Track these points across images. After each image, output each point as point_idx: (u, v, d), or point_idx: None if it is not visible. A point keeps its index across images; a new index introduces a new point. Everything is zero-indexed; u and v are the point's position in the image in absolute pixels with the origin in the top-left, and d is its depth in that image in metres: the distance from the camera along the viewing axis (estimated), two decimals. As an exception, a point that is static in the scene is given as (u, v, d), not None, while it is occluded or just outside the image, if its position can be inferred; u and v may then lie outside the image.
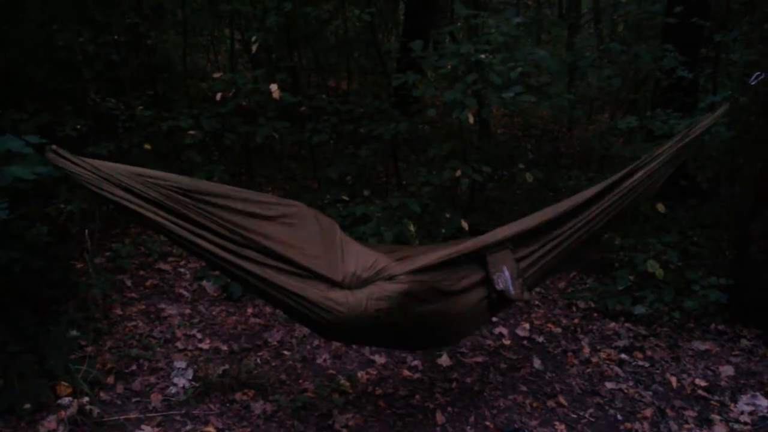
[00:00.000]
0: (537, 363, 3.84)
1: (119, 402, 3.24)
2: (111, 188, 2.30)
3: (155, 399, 3.28)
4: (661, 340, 4.17)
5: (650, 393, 3.56)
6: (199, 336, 3.97)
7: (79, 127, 4.95)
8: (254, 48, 5.92)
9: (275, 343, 3.96)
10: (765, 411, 3.38)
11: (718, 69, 6.89)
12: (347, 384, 3.49)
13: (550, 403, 3.44)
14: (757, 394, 3.52)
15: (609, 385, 3.64)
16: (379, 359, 3.79)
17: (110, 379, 3.38)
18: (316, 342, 3.98)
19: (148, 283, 4.61)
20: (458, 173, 4.91)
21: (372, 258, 2.67)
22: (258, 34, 5.85)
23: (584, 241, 3.14)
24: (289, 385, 3.50)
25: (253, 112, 5.72)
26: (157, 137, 5.48)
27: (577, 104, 7.56)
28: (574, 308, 4.65)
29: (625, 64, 6.27)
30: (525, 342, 4.14)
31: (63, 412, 2.98)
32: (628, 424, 3.28)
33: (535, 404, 3.42)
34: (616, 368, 3.82)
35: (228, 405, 3.27)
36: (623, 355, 3.96)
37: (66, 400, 3.06)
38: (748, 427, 3.27)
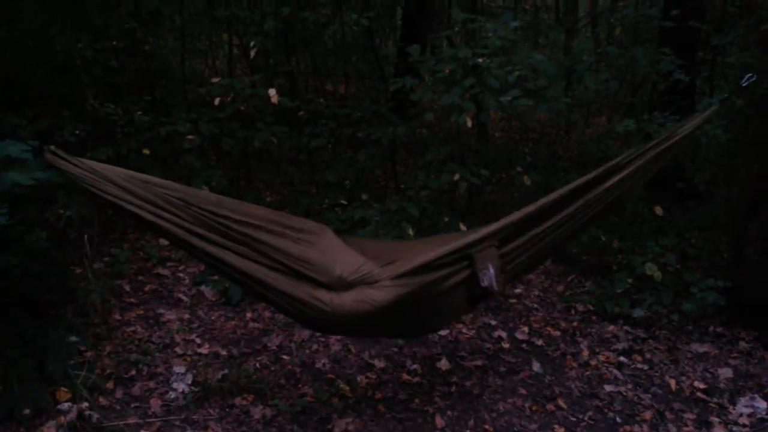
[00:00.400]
0: (536, 366, 3.84)
1: (118, 407, 3.24)
2: (109, 189, 2.34)
3: (154, 404, 3.27)
4: (660, 342, 4.17)
5: (649, 395, 3.57)
6: (198, 341, 3.97)
7: (77, 132, 4.95)
8: (252, 53, 5.93)
9: (274, 347, 3.96)
10: (763, 413, 3.39)
11: (715, 72, 6.92)
12: (347, 388, 3.49)
13: (550, 406, 3.44)
14: (756, 396, 3.53)
15: (608, 387, 3.64)
16: (379, 363, 3.79)
17: (109, 385, 3.38)
18: (315, 346, 3.98)
19: (146, 288, 4.61)
20: (456, 177, 4.92)
21: (358, 262, 2.74)
22: (256, 38, 5.86)
23: (567, 236, 3.21)
24: (288, 389, 3.50)
25: (251, 117, 5.73)
26: (155, 142, 5.49)
27: (575, 108, 7.56)
28: (572, 311, 4.66)
29: (623, 67, 6.29)
30: (524, 345, 4.14)
31: (62, 418, 2.98)
32: (628, 427, 3.29)
33: (534, 407, 3.43)
34: (615, 371, 3.82)
35: (227, 410, 3.27)
36: (622, 358, 3.97)
37: (65, 405, 3.06)
38: (747, 429, 3.28)
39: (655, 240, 4.93)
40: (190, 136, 5.35)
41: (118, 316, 4.14)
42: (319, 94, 8.21)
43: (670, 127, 3.58)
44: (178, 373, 3.52)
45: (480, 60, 4.72)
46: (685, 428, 3.29)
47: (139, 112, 5.51)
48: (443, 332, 4.17)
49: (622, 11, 8.51)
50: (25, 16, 5.41)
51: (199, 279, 4.74)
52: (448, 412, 3.34)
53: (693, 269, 4.71)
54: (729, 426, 3.30)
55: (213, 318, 4.31)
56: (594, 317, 4.54)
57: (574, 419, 3.35)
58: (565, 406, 3.45)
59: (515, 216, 2.98)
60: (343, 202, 5.59)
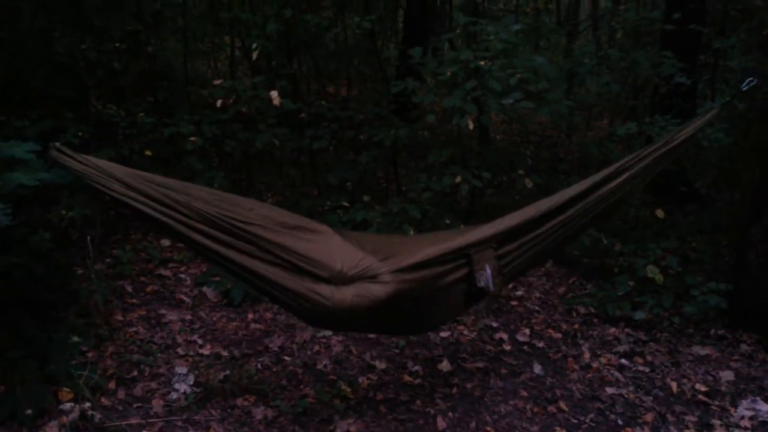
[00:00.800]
0: (537, 368, 3.84)
1: (120, 408, 3.24)
2: (114, 185, 2.37)
3: (156, 405, 3.28)
4: (661, 345, 4.17)
5: (651, 398, 3.57)
6: (199, 342, 3.98)
7: (80, 134, 4.96)
8: (254, 55, 5.96)
9: (276, 348, 3.96)
10: (765, 416, 3.38)
11: (716, 75, 6.93)
12: (348, 389, 3.49)
13: (551, 409, 3.44)
14: (757, 398, 3.53)
15: (609, 390, 3.64)
16: (380, 364, 3.80)
17: (111, 385, 3.38)
18: (316, 347, 3.98)
19: (148, 289, 4.61)
20: (458, 179, 4.93)
21: (358, 256, 2.75)
22: (258, 41, 5.89)
23: (565, 239, 3.20)
24: (290, 390, 3.50)
25: (253, 119, 5.75)
26: (158, 144, 5.51)
27: (576, 110, 7.60)
28: (574, 313, 4.66)
29: (624, 70, 6.31)
30: (525, 347, 4.15)
31: (65, 418, 2.98)
32: (629, 429, 3.29)
33: (535, 409, 3.43)
34: (617, 373, 3.82)
35: (229, 411, 3.27)
36: (623, 361, 3.97)
37: (68, 405, 3.06)
38: (748, 431, 3.28)
39: (657, 243, 4.94)
40: (192, 138, 5.37)
41: (120, 317, 4.14)
42: (321, 97, 8.23)
43: (671, 131, 3.60)
44: (179, 374, 3.53)
45: (482, 63, 4.73)
46: (687, 431, 3.29)
47: (142, 114, 5.53)
48: (444, 334, 4.18)
49: (624, 14, 8.52)
50: (24, 17, 5.43)
51: (201, 280, 4.74)
52: (450, 414, 3.34)
53: (695, 272, 4.71)
54: (730, 428, 3.29)
55: (215, 319, 4.31)
56: (595, 319, 4.54)
57: (576, 421, 3.35)
58: (567, 409, 3.45)
59: (515, 218, 3.00)
60: (345, 204, 5.60)
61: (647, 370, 3.88)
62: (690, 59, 6.08)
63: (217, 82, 5.82)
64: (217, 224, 2.57)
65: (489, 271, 2.89)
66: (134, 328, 4.04)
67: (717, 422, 3.34)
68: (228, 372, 3.56)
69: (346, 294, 2.66)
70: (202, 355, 3.82)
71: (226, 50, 8.99)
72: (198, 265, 4.95)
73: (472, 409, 3.40)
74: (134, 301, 4.42)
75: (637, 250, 4.88)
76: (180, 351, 3.83)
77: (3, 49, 5.17)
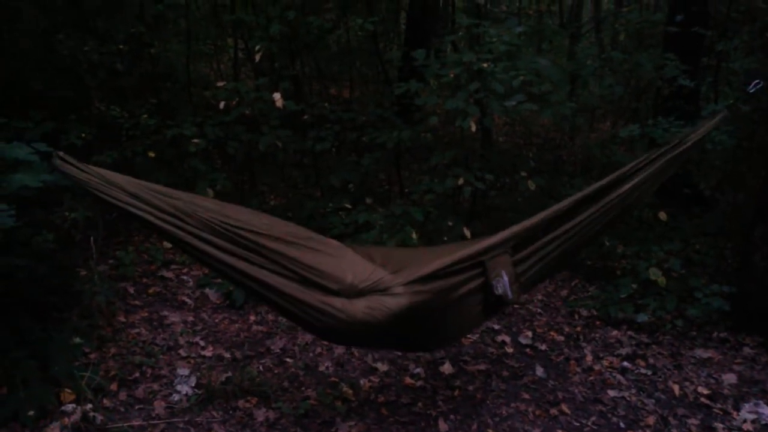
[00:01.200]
0: (539, 371, 3.84)
1: (122, 409, 3.25)
2: (119, 195, 2.35)
3: (158, 406, 3.28)
4: (664, 347, 4.16)
5: (653, 401, 3.56)
6: (202, 343, 3.98)
7: (83, 135, 4.98)
8: (257, 57, 5.96)
9: (278, 350, 3.97)
10: (767, 419, 3.38)
11: (719, 77, 6.92)
12: (350, 391, 3.49)
13: (553, 411, 3.44)
14: (760, 402, 3.51)
15: (612, 392, 3.63)
16: (382, 367, 3.79)
17: (114, 386, 3.39)
18: (318, 349, 3.98)
19: (151, 291, 4.62)
20: (461, 181, 4.93)
21: (369, 269, 2.70)
22: (261, 43, 5.89)
23: (580, 243, 3.14)
24: (291, 392, 3.50)
25: (256, 121, 5.75)
26: (160, 145, 5.51)
27: (579, 112, 7.59)
28: (576, 316, 4.65)
29: (627, 72, 6.30)
30: (527, 350, 4.14)
31: (67, 419, 2.99)
32: (631, 432, 3.28)
33: (537, 412, 3.42)
34: (619, 376, 3.81)
35: (231, 412, 3.28)
36: (626, 363, 3.96)
37: (70, 406, 3.07)
38: (752, 435, 3.27)
39: (660, 245, 4.92)
40: (195, 140, 5.38)
41: (122, 319, 4.15)
42: (323, 98, 8.24)
43: (681, 133, 3.56)
44: (181, 376, 3.53)
45: (484, 65, 4.73)
46: (689, 434, 3.28)
47: (145, 116, 5.54)
48: (447, 336, 4.17)
49: (626, 16, 8.51)
50: (25, 18, 5.44)
51: (203, 282, 4.75)
52: (452, 416, 3.34)
53: (698, 275, 4.70)
54: (733, 432, 3.29)
55: (217, 321, 4.32)
56: (598, 322, 4.53)
57: (578, 424, 3.34)
58: (569, 411, 3.44)
59: (528, 223, 2.94)
60: (348, 205, 5.59)
61: (649, 372, 3.86)
62: (693, 61, 6.07)
63: (220, 83, 5.83)
64: (225, 234, 2.52)
65: (506, 278, 2.81)
66: (136, 330, 4.05)
67: (719, 425, 3.33)
68: (230, 374, 3.57)
69: (358, 306, 2.58)
70: (204, 356, 3.83)
71: (229, 52, 9.00)
72: (200, 267, 4.96)
73: (473, 411, 3.40)
74: (136, 302, 4.43)
75: (639, 252, 4.87)
76: (182, 353, 3.84)
77: (4, 51, 5.19)
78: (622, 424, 3.35)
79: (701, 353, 4.07)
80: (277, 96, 5.22)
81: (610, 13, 11.68)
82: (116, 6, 6.16)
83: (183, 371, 3.58)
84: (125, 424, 3.10)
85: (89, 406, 3.09)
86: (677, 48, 5.90)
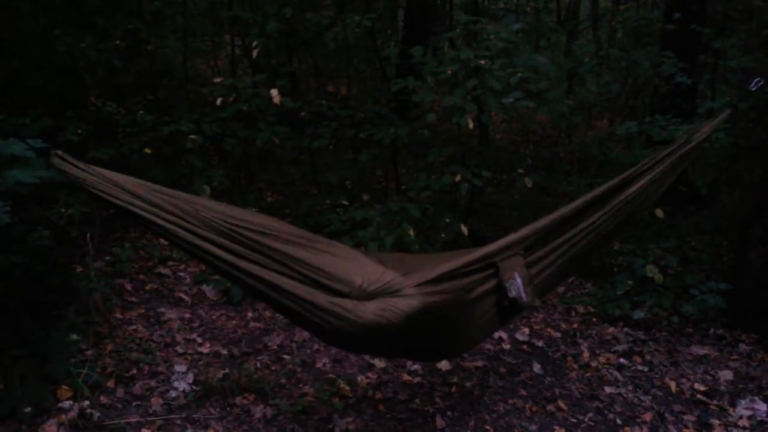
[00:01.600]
0: (537, 367, 3.85)
1: (120, 406, 3.24)
2: (119, 194, 2.32)
3: (155, 403, 3.28)
4: (660, 344, 4.18)
5: (649, 397, 3.57)
6: (199, 340, 3.98)
7: (80, 132, 4.96)
8: (254, 53, 5.95)
9: (275, 347, 3.97)
10: (764, 415, 3.39)
11: (716, 75, 6.93)
12: (347, 388, 3.49)
13: (550, 408, 3.44)
14: (756, 398, 3.53)
15: (608, 389, 3.64)
16: (379, 363, 3.80)
17: (111, 383, 3.38)
18: (315, 346, 3.98)
19: (148, 287, 4.61)
20: (458, 178, 4.92)
21: (379, 270, 2.62)
22: (258, 39, 5.88)
23: (593, 245, 3.08)
24: (289, 389, 3.50)
25: (253, 117, 5.74)
26: (157, 142, 5.49)
27: (576, 110, 7.59)
28: (573, 313, 4.66)
29: (624, 70, 6.31)
30: (524, 346, 4.15)
31: (64, 416, 2.98)
32: (628, 429, 3.29)
33: (534, 408, 3.43)
34: (616, 373, 3.83)
35: (228, 409, 3.28)
36: (622, 360, 3.97)
37: (67, 403, 3.06)
38: (747, 431, 3.28)
39: (656, 242, 4.94)
40: (192, 136, 5.36)
41: (119, 315, 4.14)
42: (320, 95, 8.22)
43: (682, 131, 3.54)
44: (179, 372, 3.53)
45: (482, 62, 4.73)
46: (685, 430, 3.29)
47: (142, 112, 5.52)
48: (444, 333, 4.17)
49: (624, 14, 8.52)
50: (24, 15, 5.43)
51: (200, 278, 4.74)
52: (449, 413, 3.35)
53: (694, 272, 4.71)
54: (729, 428, 3.30)
55: (214, 317, 4.31)
56: (594, 319, 4.54)
57: (575, 420, 3.35)
58: (566, 408, 3.45)
59: (537, 224, 2.88)
60: (345, 202, 5.59)
61: (646, 369, 3.88)
62: (690, 59, 6.08)
63: (217, 80, 5.83)
64: (227, 234, 2.45)
65: (519, 280, 2.74)
66: (133, 327, 4.04)
67: (715, 422, 3.34)
68: (227, 370, 3.57)
69: (369, 308, 2.50)
70: (201, 353, 3.82)
71: (226, 49, 8.99)
72: (197, 264, 4.95)
73: (471, 408, 3.40)
74: (133, 299, 4.42)
75: (636, 249, 4.88)
76: (179, 349, 3.84)
77: (4, 50, 5.17)
78: (618, 421, 3.36)
79: (697, 350, 4.09)
80: (274, 92, 5.21)
81: (607, 11, 11.68)
82: (116, 5, 6.14)
83: (180, 368, 3.57)
84: (122, 421, 3.10)
85: (86, 402, 3.09)
86: (674, 46, 5.91)
